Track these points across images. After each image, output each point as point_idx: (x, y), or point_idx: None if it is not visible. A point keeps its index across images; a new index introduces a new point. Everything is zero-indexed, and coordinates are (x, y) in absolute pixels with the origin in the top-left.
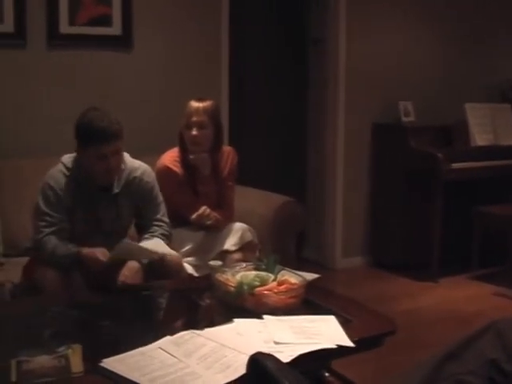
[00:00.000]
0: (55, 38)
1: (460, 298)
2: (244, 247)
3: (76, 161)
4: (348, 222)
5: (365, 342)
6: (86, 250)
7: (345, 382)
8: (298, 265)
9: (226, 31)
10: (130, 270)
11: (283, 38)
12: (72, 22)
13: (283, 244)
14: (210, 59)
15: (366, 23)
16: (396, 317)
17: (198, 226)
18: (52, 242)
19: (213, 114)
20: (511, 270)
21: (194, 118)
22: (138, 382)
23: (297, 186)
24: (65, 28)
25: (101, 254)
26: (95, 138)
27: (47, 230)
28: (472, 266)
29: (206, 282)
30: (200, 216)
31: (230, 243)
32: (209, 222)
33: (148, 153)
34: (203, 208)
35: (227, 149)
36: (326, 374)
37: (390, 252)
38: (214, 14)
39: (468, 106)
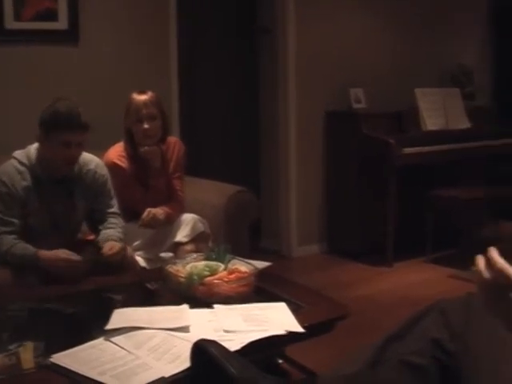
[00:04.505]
0: (0, 34)
1: (415, 282)
2: (196, 238)
3: (31, 154)
4: (303, 210)
5: (315, 328)
6: (44, 252)
7: (299, 368)
8: (255, 254)
9: (174, 21)
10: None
11: (233, 27)
12: (17, 18)
13: (236, 233)
14: (158, 50)
15: (314, 10)
16: (352, 302)
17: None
18: (8, 240)
19: (159, 105)
20: (465, 252)
21: (144, 111)
22: (87, 375)
23: (252, 176)
24: (10, 23)
25: (62, 253)
26: (62, 123)
27: (2, 229)
28: (427, 250)
29: (159, 275)
30: (146, 221)
31: (182, 235)
32: (161, 217)
33: (96, 148)
34: (146, 212)
35: (173, 139)
36: (280, 361)
37: (346, 238)
38: (162, 3)
39: (418, 91)
